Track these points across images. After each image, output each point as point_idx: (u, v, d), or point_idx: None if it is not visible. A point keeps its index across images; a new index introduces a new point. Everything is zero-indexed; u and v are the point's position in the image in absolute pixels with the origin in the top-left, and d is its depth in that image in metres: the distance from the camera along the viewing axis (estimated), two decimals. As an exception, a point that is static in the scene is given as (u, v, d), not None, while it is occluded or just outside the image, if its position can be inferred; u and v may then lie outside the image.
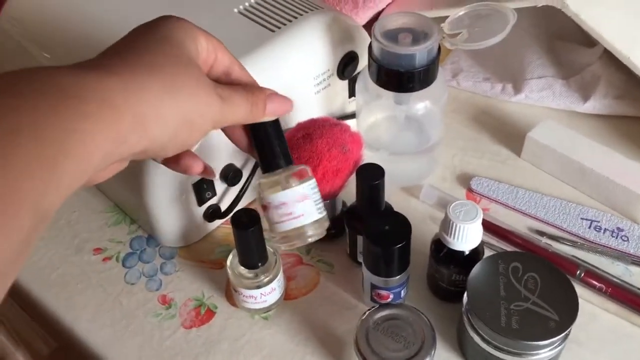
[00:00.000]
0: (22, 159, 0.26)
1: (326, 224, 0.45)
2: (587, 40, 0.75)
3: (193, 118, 0.36)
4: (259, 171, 0.46)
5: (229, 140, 0.45)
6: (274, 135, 0.43)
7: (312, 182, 0.44)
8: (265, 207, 0.43)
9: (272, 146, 0.43)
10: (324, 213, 0.45)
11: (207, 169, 0.44)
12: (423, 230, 0.59)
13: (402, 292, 0.53)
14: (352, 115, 0.65)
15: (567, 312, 0.46)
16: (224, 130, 0.44)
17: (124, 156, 0.33)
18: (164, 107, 0.34)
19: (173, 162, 0.42)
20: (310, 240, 0.44)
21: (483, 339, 0.47)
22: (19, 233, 0.26)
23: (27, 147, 0.26)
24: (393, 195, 0.63)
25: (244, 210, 0.50)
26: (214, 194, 0.58)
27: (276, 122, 0.43)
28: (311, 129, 0.53)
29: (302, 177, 0.43)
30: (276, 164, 0.43)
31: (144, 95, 0.33)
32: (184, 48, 0.36)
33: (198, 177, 0.55)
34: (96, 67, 0.33)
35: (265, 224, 0.46)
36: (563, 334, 0.45)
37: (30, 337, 0.75)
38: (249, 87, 0.41)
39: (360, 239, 0.55)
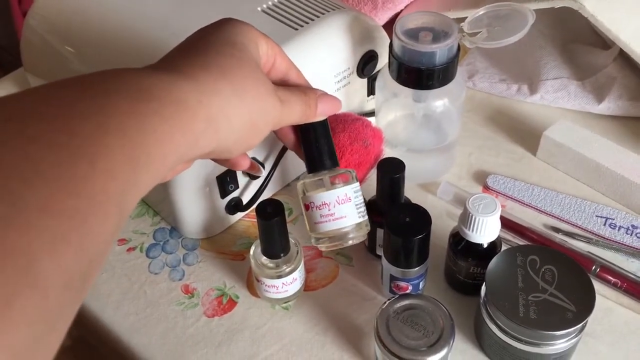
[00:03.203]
0: (109, 159, 0.26)
1: (367, 228, 0.46)
2: (602, 42, 0.76)
3: (257, 121, 0.37)
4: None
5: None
6: (322, 136, 0.43)
7: (356, 186, 0.45)
8: (307, 207, 0.44)
9: (320, 147, 0.44)
10: (366, 217, 0.46)
11: (253, 165, 0.45)
12: (440, 226, 0.60)
13: (421, 284, 0.54)
14: (371, 113, 0.67)
15: (584, 303, 0.47)
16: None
17: (194, 157, 0.34)
18: (232, 110, 0.35)
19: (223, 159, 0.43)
20: (350, 242, 0.45)
21: (501, 329, 0.48)
22: (106, 234, 0.26)
23: (114, 148, 0.27)
24: (410, 191, 0.64)
25: (269, 200, 0.51)
26: (237, 186, 0.60)
27: (324, 123, 0.44)
28: (333, 123, 0.54)
29: (346, 180, 0.44)
30: (322, 164, 0.44)
31: (215, 98, 0.33)
32: (247, 51, 0.37)
33: (222, 170, 0.57)
34: (171, 70, 0.33)
35: (305, 225, 0.46)
36: (580, 325, 0.46)
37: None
38: (303, 88, 0.42)
39: (379, 232, 0.57)
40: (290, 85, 0.42)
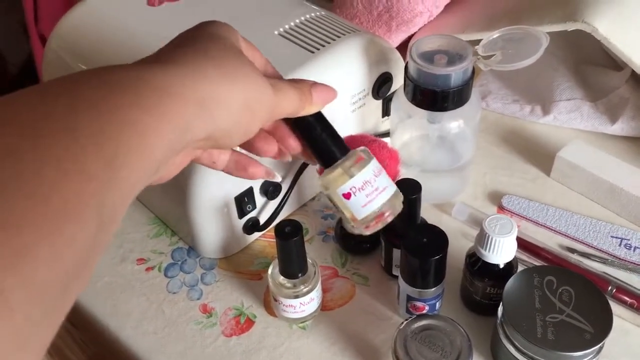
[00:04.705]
0: (80, 160, 0.25)
1: (401, 197, 0.45)
2: (614, 63, 0.77)
3: (252, 103, 0.36)
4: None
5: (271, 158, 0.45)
6: (323, 129, 0.43)
7: (375, 160, 0.44)
8: (348, 195, 0.42)
9: (325, 140, 0.43)
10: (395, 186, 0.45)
11: (269, 172, 0.45)
12: (455, 246, 0.60)
13: (437, 304, 0.55)
14: (386, 134, 0.68)
15: (602, 324, 0.47)
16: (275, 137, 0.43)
17: (188, 145, 0.33)
18: (224, 91, 0.34)
19: (241, 170, 0.43)
20: (398, 211, 0.44)
21: (518, 350, 0.48)
22: (84, 240, 0.25)
23: (85, 147, 0.25)
24: (425, 212, 0.65)
25: (288, 220, 0.52)
26: (254, 207, 0.60)
27: (322, 116, 0.43)
28: (350, 145, 0.55)
29: (363, 159, 0.43)
30: (334, 156, 0.43)
31: (202, 80, 0.33)
32: (231, 42, 0.37)
33: (240, 191, 0.58)
34: (149, 62, 0.33)
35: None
36: (598, 346, 0.46)
37: (64, 344, 0.77)
38: (293, 79, 0.41)
39: (395, 253, 0.57)
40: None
